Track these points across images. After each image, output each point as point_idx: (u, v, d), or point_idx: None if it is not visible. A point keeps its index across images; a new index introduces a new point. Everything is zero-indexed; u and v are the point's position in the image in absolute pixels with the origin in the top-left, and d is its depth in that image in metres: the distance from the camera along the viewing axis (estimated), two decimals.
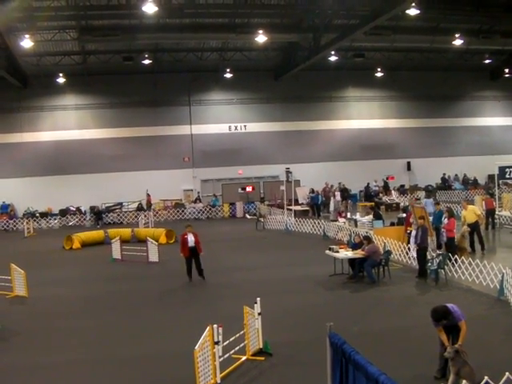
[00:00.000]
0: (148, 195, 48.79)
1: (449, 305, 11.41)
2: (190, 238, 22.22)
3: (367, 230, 28.05)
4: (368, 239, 22.00)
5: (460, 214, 27.30)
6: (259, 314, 13.42)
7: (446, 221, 23.86)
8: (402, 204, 42.43)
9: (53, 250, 32.90)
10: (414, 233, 23.74)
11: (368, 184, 52.04)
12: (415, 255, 23.62)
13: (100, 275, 25.09)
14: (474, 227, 25.60)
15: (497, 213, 33.02)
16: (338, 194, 46.38)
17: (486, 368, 10.91)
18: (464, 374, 10.62)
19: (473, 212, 26.10)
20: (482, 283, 18.66)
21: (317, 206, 43.76)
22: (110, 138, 50.52)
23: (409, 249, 23.95)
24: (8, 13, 33.46)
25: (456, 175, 56.07)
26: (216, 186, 51.94)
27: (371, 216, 30.47)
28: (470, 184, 54.89)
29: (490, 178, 50.43)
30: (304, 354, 13.38)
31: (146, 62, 47.33)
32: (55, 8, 35.44)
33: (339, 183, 50.10)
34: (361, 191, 53.23)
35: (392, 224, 29.19)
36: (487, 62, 53.82)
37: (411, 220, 25.42)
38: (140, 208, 48.17)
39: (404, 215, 29.08)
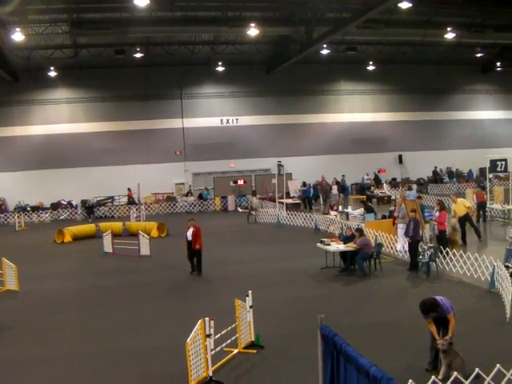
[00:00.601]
0: (129, 190, 48.61)
1: (437, 297, 11.48)
2: (189, 232, 22.28)
3: (359, 223, 28.08)
4: (360, 231, 22.03)
5: (451, 207, 27.36)
6: (251, 306, 13.44)
7: (437, 214, 23.91)
8: (393, 197, 42.49)
9: (44, 244, 32.84)
10: (401, 225, 23.87)
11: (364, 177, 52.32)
12: (399, 247, 23.77)
13: (91, 269, 25.05)
14: (465, 219, 25.73)
15: (488, 206, 33.15)
16: (334, 187, 46.37)
17: (478, 360, 10.96)
18: (456, 365, 10.68)
19: (462, 205, 26.20)
20: (473, 275, 18.75)
21: (308, 199, 43.79)
22: (102, 132, 50.40)
23: (395, 240, 24.08)
24: None
25: (447, 168, 56.17)
26: (208, 180, 51.90)
27: (363, 209, 30.56)
28: (461, 177, 55.01)
29: (482, 171, 50.57)
30: (296, 346, 13.39)
31: (138, 55, 47.23)
32: (46, 1, 35.22)
33: (343, 175, 50.85)
34: (352, 184, 53.31)
35: (383, 217, 29.24)
36: (479, 55, 53.90)
37: (395, 214, 25.48)
38: (131, 202, 48.07)
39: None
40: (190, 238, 22.17)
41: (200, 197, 49.76)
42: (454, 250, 20.89)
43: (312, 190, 45.09)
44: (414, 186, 48.22)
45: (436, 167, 55.45)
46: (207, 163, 51.75)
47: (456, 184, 52.32)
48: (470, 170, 55.91)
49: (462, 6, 39.73)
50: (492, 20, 41.47)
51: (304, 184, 45.46)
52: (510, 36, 42.80)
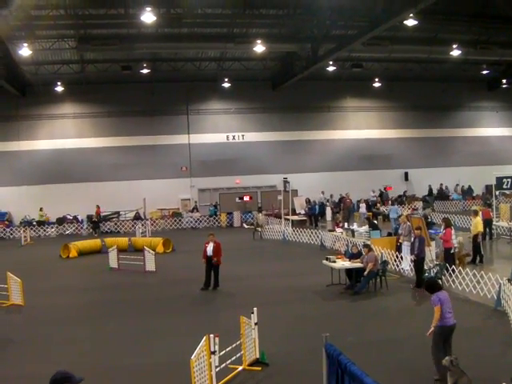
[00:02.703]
0: (97, 207, 48.14)
1: (440, 292, 12.01)
2: (209, 248, 22.34)
3: (364, 240, 28.03)
4: (368, 247, 21.98)
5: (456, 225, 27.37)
6: (256, 323, 13.39)
7: (443, 231, 23.88)
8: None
9: (50, 259, 32.82)
10: (406, 243, 23.83)
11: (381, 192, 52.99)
12: (405, 267, 23.66)
13: (97, 284, 25.03)
14: (475, 239, 25.73)
15: (494, 223, 33.05)
16: (362, 205, 46.14)
17: (483, 378, 10.92)
18: None
19: (476, 225, 26.19)
20: (479, 293, 18.67)
21: (314, 215, 43.72)
22: (108, 147, 50.49)
23: (401, 258, 24.00)
24: (7, 21, 33.56)
25: (457, 185, 55.97)
26: (213, 196, 51.89)
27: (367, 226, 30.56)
28: (468, 194, 54.82)
29: (488, 188, 50.47)
30: (300, 364, 13.34)
31: (145, 71, 47.39)
32: (54, 17, 35.50)
33: (380, 190, 51.69)
34: (358, 201, 53.10)
35: (389, 234, 29.19)
36: (485, 72, 53.93)
37: (400, 231, 25.48)
38: (137, 217, 48.08)
39: None
40: (210, 253, 22.22)
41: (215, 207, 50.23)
42: (460, 267, 20.82)
43: (317, 206, 44.98)
44: (420, 204, 48.28)
45: (441, 184, 55.34)
46: (213, 179, 51.69)
47: (462, 201, 52.18)
48: (470, 187, 55.70)
49: (468, 23, 39.82)
50: (498, 37, 41.54)
51: (308, 201, 45.39)
52: None
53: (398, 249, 24.97)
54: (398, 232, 25.94)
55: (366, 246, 22.52)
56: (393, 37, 39.84)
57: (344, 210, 45.57)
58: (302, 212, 45.46)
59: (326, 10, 36.46)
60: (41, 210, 47.81)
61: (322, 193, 50.61)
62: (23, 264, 29.71)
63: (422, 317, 16.39)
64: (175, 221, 48.12)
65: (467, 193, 54.97)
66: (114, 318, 18.80)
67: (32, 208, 47.93)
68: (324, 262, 22.63)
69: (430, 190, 54.99)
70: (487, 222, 31.83)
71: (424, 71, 51.93)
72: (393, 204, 40.66)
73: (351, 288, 21.11)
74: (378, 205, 49.45)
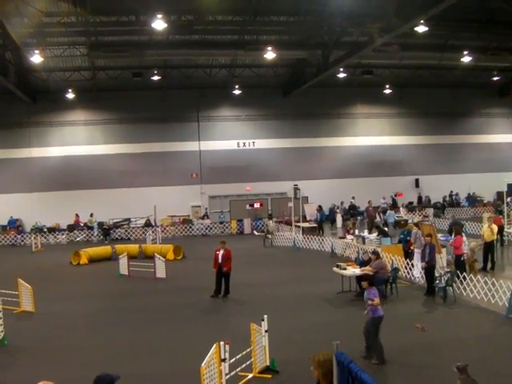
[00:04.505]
0: (76, 216, 48.32)
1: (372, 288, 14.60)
2: (220, 255, 22.44)
3: (375, 247, 27.96)
4: (376, 254, 21.90)
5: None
6: (266, 331, 13.37)
7: (454, 238, 23.81)
8: (410, 221, 42.31)
9: (60, 266, 32.90)
10: (417, 250, 23.78)
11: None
12: (416, 274, 23.58)
13: (107, 291, 25.05)
14: (489, 246, 25.70)
15: (505, 230, 32.89)
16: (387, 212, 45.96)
17: None
18: None
19: (489, 231, 26.09)
20: (490, 301, 18.59)
21: (319, 222, 43.41)
22: (119, 154, 50.63)
23: (412, 265, 23.91)
24: (19, 28, 33.76)
25: (469, 194, 55.70)
26: (224, 203, 51.90)
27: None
28: (478, 201, 54.57)
29: (499, 195, 50.27)
30: (310, 372, 13.27)
31: (155, 78, 47.47)
32: (65, 24, 35.67)
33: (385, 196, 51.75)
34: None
35: (399, 241, 29.08)
36: (495, 79, 53.76)
37: (408, 238, 25.43)
38: (148, 224, 48.10)
39: None
40: (220, 260, 22.28)
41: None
42: (471, 274, 20.73)
43: (319, 214, 44.53)
44: (431, 211, 48.01)
45: (452, 191, 55.18)
46: (223, 186, 51.71)
47: (472, 208, 52.00)
48: (469, 194, 55.65)
49: (478, 30, 39.69)
50: (508, 43, 41.39)
51: (320, 208, 45.34)
52: None
53: (409, 256, 24.92)
54: (408, 239, 25.86)
55: (374, 252, 22.43)
56: (403, 43, 39.77)
57: (367, 219, 43.90)
58: (312, 219, 45.32)
59: (337, 16, 36.46)
60: (91, 215, 47.92)
61: (353, 198, 50.79)
62: (34, 271, 29.86)
63: (433, 324, 16.35)
64: (186, 228, 48.13)
65: (474, 200, 54.80)
66: (124, 325, 18.82)
67: (42, 215, 48.08)
68: (334, 269, 22.59)
69: (420, 198, 54.88)
70: (498, 230, 31.72)
71: (434, 78, 51.81)
72: (391, 209, 40.41)
73: (362, 295, 21.03)
74: (389, 211, 49.25)
